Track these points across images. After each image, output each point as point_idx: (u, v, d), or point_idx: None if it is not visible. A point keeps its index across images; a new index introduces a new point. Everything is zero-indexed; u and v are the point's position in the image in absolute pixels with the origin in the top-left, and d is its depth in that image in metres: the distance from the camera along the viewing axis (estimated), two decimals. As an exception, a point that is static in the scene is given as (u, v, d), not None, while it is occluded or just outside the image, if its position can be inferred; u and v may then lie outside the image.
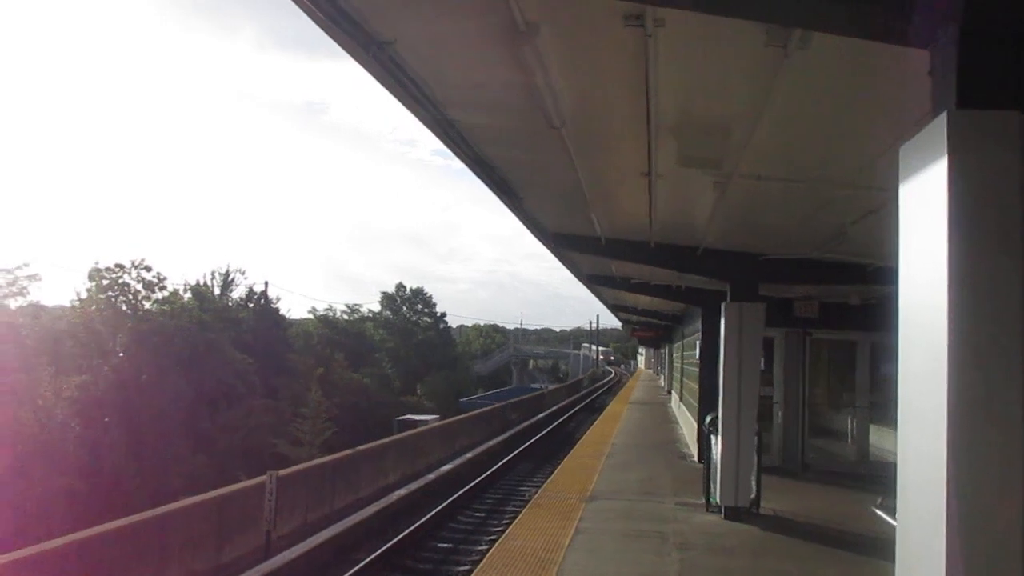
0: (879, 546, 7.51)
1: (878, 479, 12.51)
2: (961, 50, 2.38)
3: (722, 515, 10.52)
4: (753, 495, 10.64)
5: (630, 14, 3.93)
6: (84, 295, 34.33)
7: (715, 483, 10.73)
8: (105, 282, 34.47)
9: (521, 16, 4.09)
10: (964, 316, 2.18)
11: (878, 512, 6.98)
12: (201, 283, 43.96)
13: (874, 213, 7.33)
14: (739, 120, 5.42)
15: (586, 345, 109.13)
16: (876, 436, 14.72)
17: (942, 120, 2.30)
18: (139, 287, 35.42)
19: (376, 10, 4.38)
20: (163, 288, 36.65)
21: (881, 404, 14.16)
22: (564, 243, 13.11)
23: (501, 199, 9.53)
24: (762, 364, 11.74)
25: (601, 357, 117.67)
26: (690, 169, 6.58)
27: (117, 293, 34.81)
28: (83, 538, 9.95)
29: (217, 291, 45.60)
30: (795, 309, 14.54)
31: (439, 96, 5.71)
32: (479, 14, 4.35)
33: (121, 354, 32.64)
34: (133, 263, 35.33)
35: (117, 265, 35.03)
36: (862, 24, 2.80)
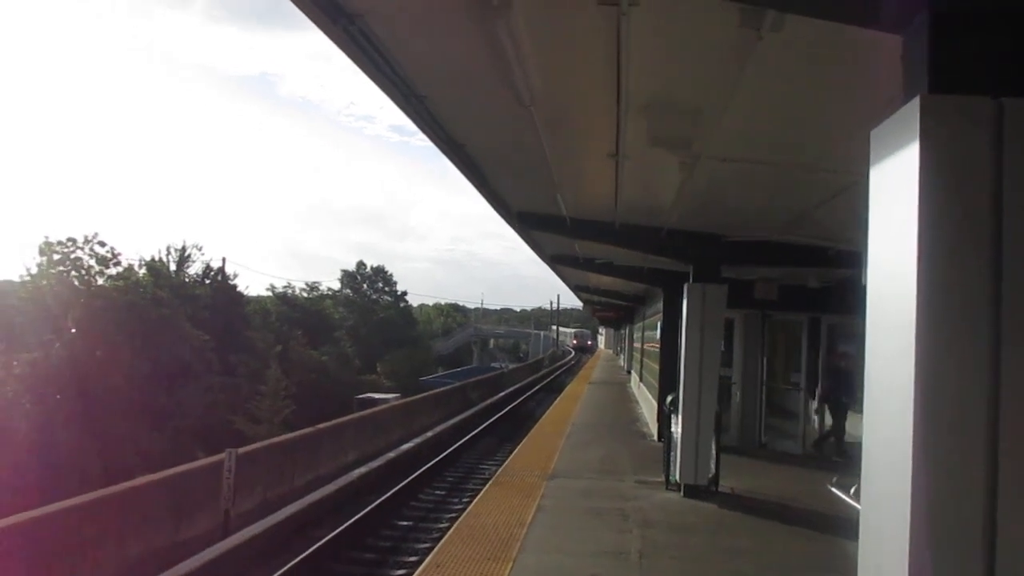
0: (834, 523, 7.69)
1: (833, 458, 12.81)
2: (933, 35, 2.39)
3: (681, 493, 10.68)
4: (712, 473, 10.81)
5: (604, -9, 3.90)
6: (35, 270, 33.45)
7: (675, 462, 10.88)
8: (57, 257, 33.58)
9: (494, -9, 4.04)
10: (933, 300, 2.20)
11: (833, 490, 7.13)
12: (156, 259, 42.98)
13: (838, 196, 7.42)
14: (710, 101, 5.42)
15: (560, 328, 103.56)
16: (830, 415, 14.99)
17: (914, 104, 2.30)
18: (92, 262, 34.55)
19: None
20: (117, 264, 35.79)
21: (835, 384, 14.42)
22: (529, 222, 13.10)
23: (467, 177, 9.46)
24: (722, 345, 11.88)
25: (574, 340, 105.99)
26: (657, 150, 6.59)
27: (69, 268, 33.94)
28: (41, 515, 9.74)
29: (173, 267, 44.63)
30: (755, 291, 14.71)
31: (409, 72, 5.63)
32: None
33: (73, 330, 31.81)
34: (86, 238, 34.47)
35: (69, 239, 34.15)
36: (836, 7, 2.81)
